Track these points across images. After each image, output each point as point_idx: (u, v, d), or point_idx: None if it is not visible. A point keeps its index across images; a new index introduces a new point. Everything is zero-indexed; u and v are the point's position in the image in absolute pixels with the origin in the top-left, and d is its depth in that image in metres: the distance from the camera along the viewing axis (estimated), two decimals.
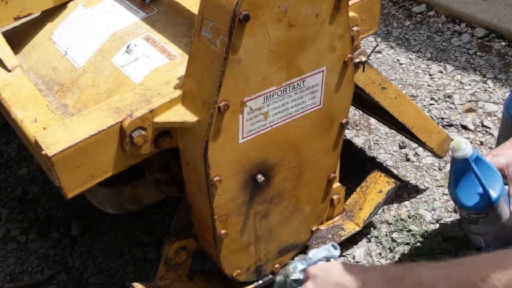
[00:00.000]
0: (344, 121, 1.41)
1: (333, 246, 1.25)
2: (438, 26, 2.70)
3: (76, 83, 1.46)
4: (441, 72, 2.42)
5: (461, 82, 2.33)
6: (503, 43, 2.51)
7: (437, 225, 1.77)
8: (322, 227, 1.66)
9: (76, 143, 1.16)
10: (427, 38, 2.64)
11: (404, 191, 1.90)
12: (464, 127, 2.13)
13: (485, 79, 2.33)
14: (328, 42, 1.26)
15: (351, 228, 1.68)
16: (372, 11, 1.52)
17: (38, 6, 1.63)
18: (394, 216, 1.81)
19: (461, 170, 1.40)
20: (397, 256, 1.69)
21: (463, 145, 1.38)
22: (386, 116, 1.81)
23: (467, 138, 2.08)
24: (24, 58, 1.60)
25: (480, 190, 1.40)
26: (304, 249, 1.61)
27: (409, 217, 1.81)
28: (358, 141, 2.09)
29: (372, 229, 1.77)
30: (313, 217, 1.55)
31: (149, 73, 1.37)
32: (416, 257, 1.68)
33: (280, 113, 1.29)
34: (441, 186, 1.91)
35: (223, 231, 1.35)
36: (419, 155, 2.02)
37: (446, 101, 2.24)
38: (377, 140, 2.10)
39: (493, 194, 1.41)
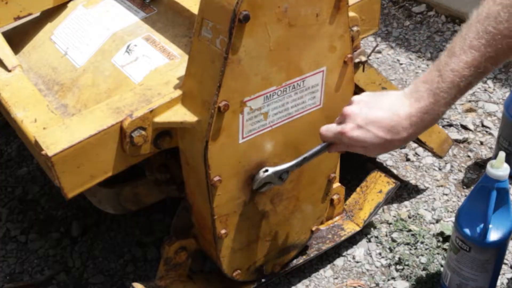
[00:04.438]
0: None
1: None
2: (438, 26, 2.70)
3: (76, 83, 1.46)
4: None
5: None
6: None
7: (437, 225, 1.77)
8: (322, 227, 1.66)
9: (76, 143, 1.16)
10: (427, 38, 2.64)
11: (404, 191, 1.90)
12: (464, 127, 2.13)
13: (485, 79, 2.33)
14: (328, 42, 1.26)
15: (351, 228, 1.68)
16: (372, 11, 1.52)
17: (38, 6, 1.63)
18: (394, 216, 1.81)
19: (486, 190, 1.33)
20: (397, 256, 1.69)
21: (505, 165, 1.30)
22: None
23: (467, 138, 2.08)
24: (24, 58, 1.60)
25: (486, 222, 1.36)
26: (304, 249, 1.61)
27: (409, 217, 1.81)
28: None
29: (372, 229, 1.77)
30: (313, 217, 1.54)
31: (149, 73, 1.37)
32: (416, 257, 1.68)
33: (280, 113, 1.29)
34: (441, 186, 1.91)
35: (223, 231, 1.35)
36: (419, 155, 2.02)
37: None
38: None
39: (494, 236, 1.37)
